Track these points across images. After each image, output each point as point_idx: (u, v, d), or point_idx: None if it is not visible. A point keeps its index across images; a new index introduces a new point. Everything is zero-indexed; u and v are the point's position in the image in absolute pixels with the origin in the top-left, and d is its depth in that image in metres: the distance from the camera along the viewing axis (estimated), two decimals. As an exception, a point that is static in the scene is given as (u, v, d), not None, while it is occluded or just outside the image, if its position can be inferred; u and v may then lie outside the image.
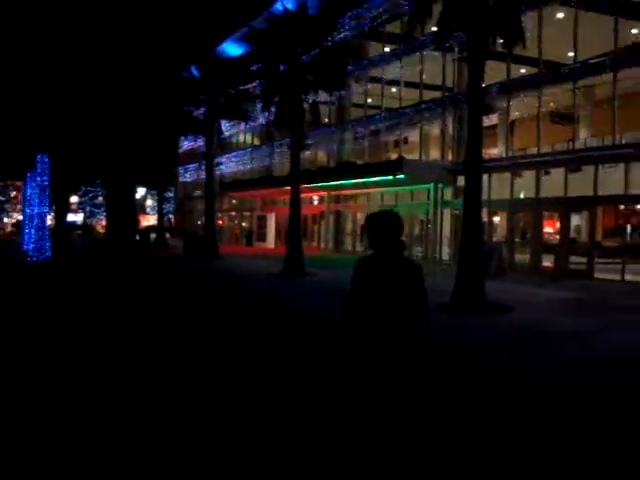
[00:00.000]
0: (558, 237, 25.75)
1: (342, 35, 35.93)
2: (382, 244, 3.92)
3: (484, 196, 15.75)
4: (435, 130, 33.13)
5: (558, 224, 26.31)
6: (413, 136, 35.11)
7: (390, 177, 29.73)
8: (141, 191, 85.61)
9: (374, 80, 35.48)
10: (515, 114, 29.90)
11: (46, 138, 28.45)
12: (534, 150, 26.57)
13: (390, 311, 3.70)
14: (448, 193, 30.55)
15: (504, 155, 28.28)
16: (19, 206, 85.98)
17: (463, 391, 7.17)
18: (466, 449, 5.20)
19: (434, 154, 33.24)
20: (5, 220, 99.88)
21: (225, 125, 39.15)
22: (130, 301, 14.93)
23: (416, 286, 3.79)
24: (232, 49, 39.42)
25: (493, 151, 29.95)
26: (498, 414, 6.29)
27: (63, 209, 36.45)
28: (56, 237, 34.94)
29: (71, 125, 26.85)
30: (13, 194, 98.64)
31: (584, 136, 26.26)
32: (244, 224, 53.83)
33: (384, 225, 3.95)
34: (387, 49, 34.87)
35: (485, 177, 22.93)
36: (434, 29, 21.81)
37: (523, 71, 28.28)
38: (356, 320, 3.84)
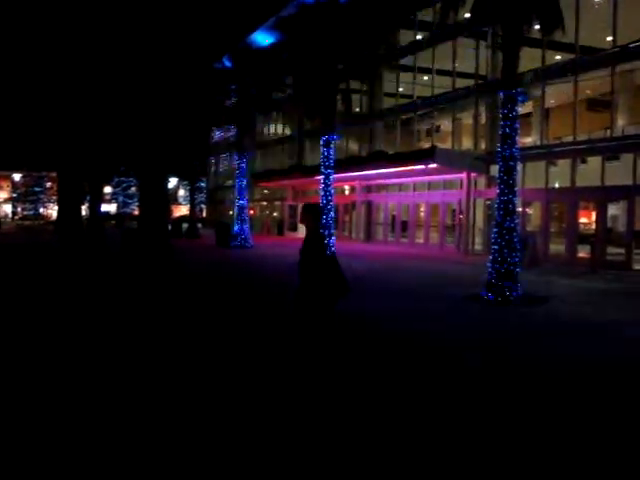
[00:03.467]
0: (594, 227, 25.25)
1: (373, 23, 35.62)
2: (310, 225, 6.81)
3: (518, 185, 15.41)
4: (468, 119, 32.69)
5: (594, 214, 25.79)
6: (445, 125, 34.73)
7: (422, 166, 29.47)
8: (173, 181, 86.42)
9: (406, 68, 35.11)
10: (550, 101, 29.35)
11: (79, 130, 28.75)
12: (570, 138, 26.05)
13: (305, 262, 6.72)
14: (481, 182, 30.17)
15: (539, 143, 27.79)
16: (54, 197, 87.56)
17: (478, 384, 7.04)
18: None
19: (467, 143, 32.83)
20: (41, 210, 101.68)
21: (257, 115, 39.15)
22: (163, 288, 15.02)
23: (318, 249, 6.69)
24: (263, 39, 39.29)
25: (527, 139, 29.45)
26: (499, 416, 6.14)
27: (97, 199, 36.89)
28: (91, 226, 35.44)
29: (104, 116, 27.08)
30: (48, 185, 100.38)
31: (622, 123, 25.64)
32: (275, 214, 53.94)
33: (312, 212, 6.85)
34: (419, 37, 34.45)
35: (519, 166, 22.57)
36: (467, 15, 21.50)
37: (559, 57, 27.70)
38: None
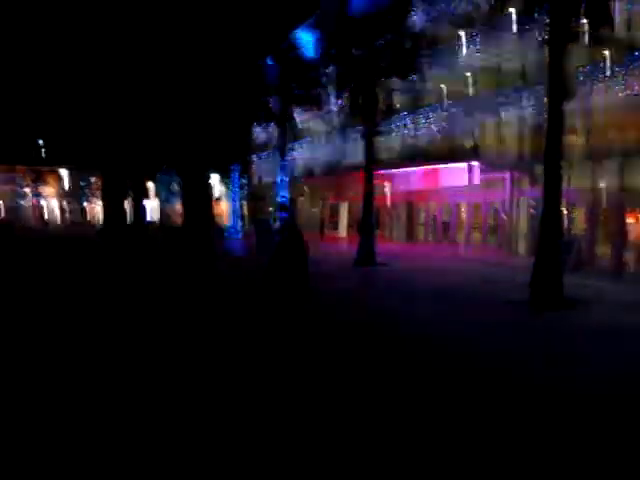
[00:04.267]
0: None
1: (416, 20, 35.22)
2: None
3: (563, 186, 14.96)
4: (512, 117, 31.94)
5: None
6: (489, 124, 34.02)
7: (464, 165, 29.04)
8: (214, 178, 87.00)
9: (449, 66, 34.58)
10: (598, 100, 28.54)
11: (122, 127, 29.10)
12: (618, 138, 25.26)
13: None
14: (525, 183, 29.54)
15: (585, 143, 27.05)
16: (98, 191, 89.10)
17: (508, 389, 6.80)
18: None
19: (511, 142, 32.14)
20: (84, 204, 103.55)
21: (298, 113, 39.14)
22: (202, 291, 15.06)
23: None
24: (305, 36, 39.24)
25: (574, 138, 28.68)
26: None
27: (140, 196, 37.33)
28: (135, 222, 35.90)
29: (147, 113, 27.34)
30: (93, 179, 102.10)
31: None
32: (316, 212, 53.82)
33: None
34: (462, 33, 33.88)
35: (565, 166, 21.97)
36: (512, 10, 21.05)
37: (608, 54, 26.89)
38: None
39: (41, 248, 28.97)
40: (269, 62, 37.54)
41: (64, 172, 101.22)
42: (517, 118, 30.66)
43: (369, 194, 24.47)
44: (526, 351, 9.16)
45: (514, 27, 28.17)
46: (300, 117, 43.40)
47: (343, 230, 47.42)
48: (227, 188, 59.62)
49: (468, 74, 34.03)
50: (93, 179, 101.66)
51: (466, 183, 33.46)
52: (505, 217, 29.83)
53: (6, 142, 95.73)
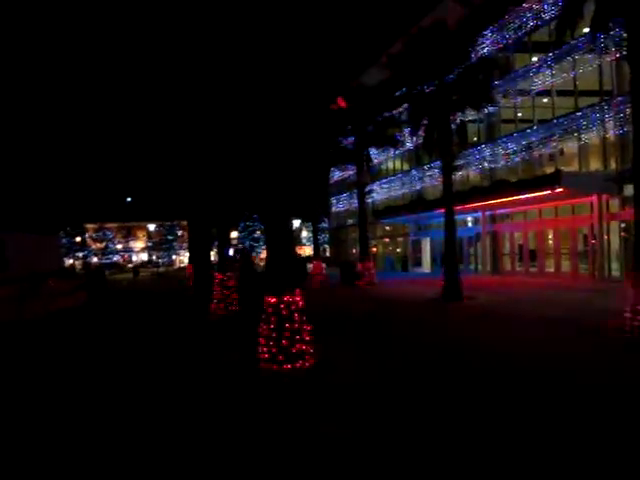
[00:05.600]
0: None
1: (485, 49, 35.07)
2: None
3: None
4: (594, 138, 31.06)
5: None
6: (569, 147, 33.18)
7: (547, 192, 28.32)
8: (296, 223, 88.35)
9: (523, 92, 34.13)
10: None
11: (207, 180, 30.10)
12: None
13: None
14: (614, 205, 28.47)
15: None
16: (185, 244, 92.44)
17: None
18: None
19: (595, 164, 31.19)
20: (173, 257, 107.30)
21: (374, 152, 39.41)
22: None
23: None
24: (375, 76, 39.73)
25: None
26: None
27: (224, 244, 38.25)
28: (219, 269, 36.68)
29: (230, 165, 28.26)
30: (180, 233, 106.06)
31: None
32: (398, 250, 53.65)
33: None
34: (534, 59, 33.45)
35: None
36: (586, 30, 20.64)
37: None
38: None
39: (138, 296, 30.07)
40: (343, 104, 38.05)
41: (152, 226, 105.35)
42: (599, 138, 29.78)
43: (450, 228, 24.17)
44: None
45: (590, 45, 27.63)
46: (376, 156, 43.69)
47: (427, 265, 46.96)
48: (309, 232, 60.18)
49: (545, 100, 33.47)
50: (180, 232, 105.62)
51: (551, 209, 32.62)
52: (595, 242, 28.76)
53: (97, 201, 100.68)
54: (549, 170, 31.10)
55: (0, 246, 32.40)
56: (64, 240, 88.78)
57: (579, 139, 30.72)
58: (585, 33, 23.83)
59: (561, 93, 31.99)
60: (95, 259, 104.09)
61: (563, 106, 31.75)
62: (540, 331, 13.84)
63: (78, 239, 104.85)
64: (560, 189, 27.43)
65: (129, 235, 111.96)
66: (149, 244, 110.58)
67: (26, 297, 22.31)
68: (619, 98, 27.06)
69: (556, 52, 30.43)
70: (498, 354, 11.15)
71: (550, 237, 33.66)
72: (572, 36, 25.42)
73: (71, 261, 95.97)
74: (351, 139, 37.30)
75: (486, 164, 37.73)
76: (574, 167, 31.63)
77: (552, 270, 32.45)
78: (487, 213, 37.75)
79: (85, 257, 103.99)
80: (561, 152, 33.01)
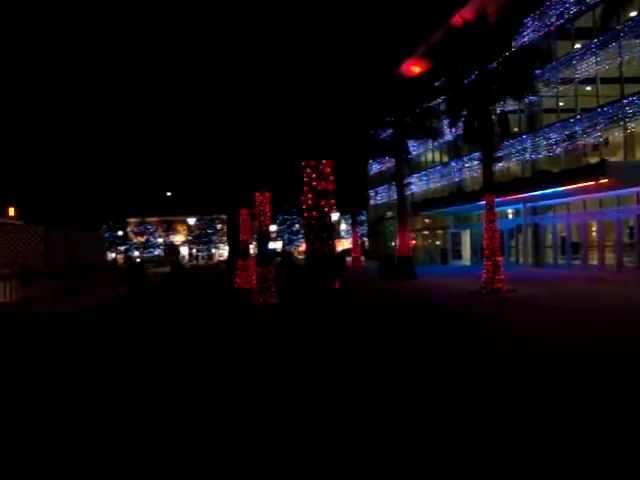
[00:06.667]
0: None
1: (526, 37, 34.36)
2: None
3: None
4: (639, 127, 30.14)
5: None
6: (615, 136, 32.29)
7: (591, 183, 27.66)
8: (335, 216, 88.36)
9: (566, 81, 33.35)
10: None
11: (247, 174, 30.23)
12: None
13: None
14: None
15: None
16: (224, 237, 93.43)
17: None
18: None
19: (639, 154, 30.29)
20: (213, 250, 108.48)
21: (412, 144, 39.07)
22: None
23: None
24: (414, 67, 39.34)
25: None
26: None
27: (264, 238, 38.40)
28: (258, 263, 36.90)
29: (269, 158, 28.38)
30: (219, 227, 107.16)
31: None
32: (438, 242, 53.17)
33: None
34: (578, 45, 32.63)
35: None
36: (633, 14, 20.00)
37: None
38: None
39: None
40: (381, 96, 37.68)
41: (192, 220, 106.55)
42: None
43: (491, 220, 23.78)
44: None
45: (632, 30, 26.85)
46: (415, 148, 43.30)
47: (467, 258, 46.44)
48: (349, 224, 60.58)
49: (588, 87, 32.66)
50: (219, 226, 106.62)
51: (595, 201, 31.87)
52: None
53: (138, 196, 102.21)
54: (593, 160, 30.36)
55: (46, 239, 33.06)
56: (107, 234, 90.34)
57: (625, 128, 29.84)
58: (632, 17, 23.13)
59: (606, 80, 31.11)
60: (137, 253, 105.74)
61: (608, 94, 30.89)
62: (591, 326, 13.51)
63: (120, 233, 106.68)
64: (604, 180, 26.76)
65: (170, 229, 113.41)
66: (189, 237, 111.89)
67: (68, 291, 22.74)
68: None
69: (601, 38, 29.63)
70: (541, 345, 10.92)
71: (594, 229, 32.89)
72: (618, 21, 24.70)
73: (113, 255, 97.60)
74: (389, 131, 37.02)
75: (527, 155, 37.02)
76: (619, 157, 30.79)
77: (596, 263, 31.72)
78: (528, 205, 37.08)
79: (127, 251, 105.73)
80: (606, 142, 32.15)
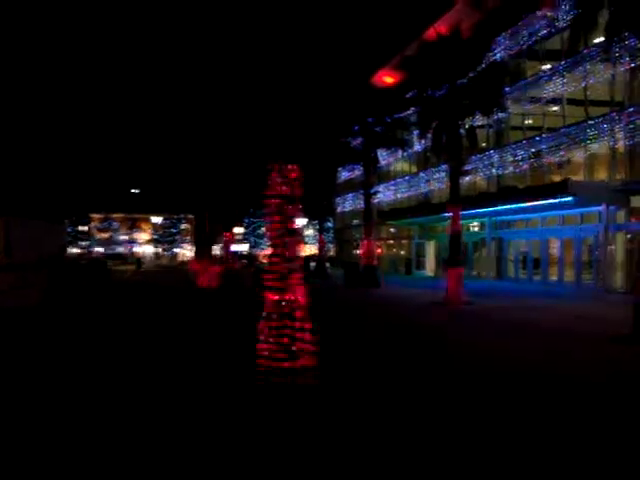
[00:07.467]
0: None
1: (497, 55, 34.99)
2: None
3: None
4: (602, 149, 30.86)
5: None
6: (577, 156, 32.99)
7: (555, 201, 28.26)
8: (301, 221, 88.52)
9: (533, 100, 34.04)
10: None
11: (215, 177, 30.20)
12: None
13: None
14: (620, 216, 28.37)
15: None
16: (188, 237, 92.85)
17: None
18: None
19: (601, 174, 31.05)
20: (175, 250, 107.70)
21: (382, 154, 39.36)
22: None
23: None
24: (387, 77, 39.73)
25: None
26: None
27: (230, 240, 38.38)
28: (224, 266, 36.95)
29: (236, 161, 28.38)
30: (183, 226, 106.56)
31: None
32: (402, 252, 53.58)
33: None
34: (547, 66, 33.35)
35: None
36: (597, 41, 20.53)
37: None
38: None
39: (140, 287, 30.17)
40: (352, 106, 37.97)
41: (156, 219, 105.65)
42: (610, 149, 29.61)
43: (455, 232, 24.15)
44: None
45: (600, 55, 27.54)
46: (384, 158, 43.64)
47: (431, 269, 46.92)
48: (316, 230, 60.53)
49: (555, 108, 33.39)
50: (184, 226, 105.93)
51: (557, 218, 32.53)
52: (597, 252, 28.68)
53: (103, 191, 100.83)
54: (556, 178, 31.02)
55: (5, 231, 32.41)
56: (69, 229, 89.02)
57: (588, 149, 30.55)
58: (597, 42, 23.73)
59: (572, 102, 31.87)
60: (101, 249, 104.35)
61: (573, 115, 31.63)
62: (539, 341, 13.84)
63: (85, 228, 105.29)
64: (568, 198, 27.37)
65: (134, 227, 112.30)
66: (154, 236, 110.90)
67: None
68: (630, 109, 26.98)
69: (568, 60, 30.35)
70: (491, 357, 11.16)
71: (555, 245, 33.57)
72: (585, 45, 25.38)
73: (75, 250, 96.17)
74: (360, 139, 37.26)
75: (494, 170, 37.65)
76: (580, 177, 31.49)
77: (555, 279, 32.37)
78: (493, 219, 37.69)
79: (88, 247, 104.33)
80: (568, 161, 32.88)
